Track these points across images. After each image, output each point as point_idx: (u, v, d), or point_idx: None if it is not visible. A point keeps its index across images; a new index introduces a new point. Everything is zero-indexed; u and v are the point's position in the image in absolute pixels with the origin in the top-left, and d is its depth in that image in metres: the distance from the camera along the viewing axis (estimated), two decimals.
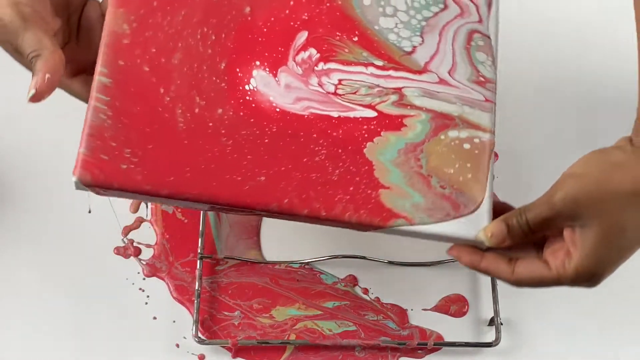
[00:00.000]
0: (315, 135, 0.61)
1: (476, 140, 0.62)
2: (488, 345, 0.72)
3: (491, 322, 0.73)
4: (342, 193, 0.60)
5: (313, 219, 0.59)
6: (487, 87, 0.64)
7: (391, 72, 0.64)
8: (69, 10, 0.66)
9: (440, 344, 0.72)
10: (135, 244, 0.76)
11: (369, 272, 0.75)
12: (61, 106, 0.81)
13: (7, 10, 0.59)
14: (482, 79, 0.64)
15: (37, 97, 0.59)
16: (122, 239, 0.76)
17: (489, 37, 0.65)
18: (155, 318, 0.73)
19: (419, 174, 0.61)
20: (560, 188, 0.56)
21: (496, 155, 0.76)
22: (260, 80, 0.62)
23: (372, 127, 0.62)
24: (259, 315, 0.74)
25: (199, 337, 0.71)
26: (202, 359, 0.72)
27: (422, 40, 0.64)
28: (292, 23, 0.64)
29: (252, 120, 0.61)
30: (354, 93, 0.63)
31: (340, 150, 0.61)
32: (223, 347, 0.72)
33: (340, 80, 0.63)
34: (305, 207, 0.59)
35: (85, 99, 0.63)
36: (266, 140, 0.60)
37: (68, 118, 0.80)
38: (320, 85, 0.63)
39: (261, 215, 0.67)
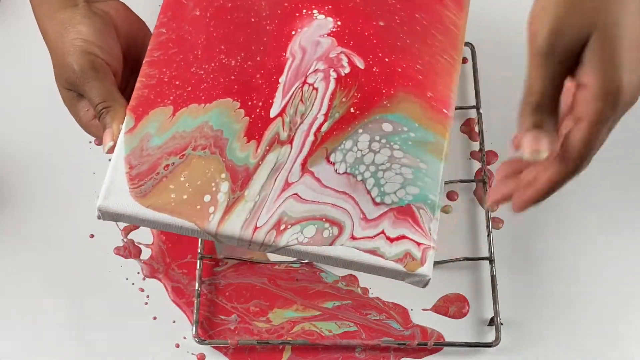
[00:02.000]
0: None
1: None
2: (488, 345, 0.72)
3: (491, 322, 0.73)
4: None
5: None
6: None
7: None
8: (130, 74, 0.68)
9: (440, 344, 0.72)
10: (135, 244, 0.76)
11: None
12: (62, 107, 0.81)
13: (80, 59, 0.63)
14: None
15: (113, 148, 0.62)
16: (122, 239, 0.76)
17: None
18: (155, 318, 0.73)
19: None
20: (536, 31, 0.52)
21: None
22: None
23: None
24: (255, 319, 0.74)
25: (199, 337, 0.71)
26: (202, 359, 0.72)
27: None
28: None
29: None
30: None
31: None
32: (220, 350, 0.72)
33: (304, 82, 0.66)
34: None
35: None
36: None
37: (68, 119, 0.81)
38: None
39: None
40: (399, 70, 0.66)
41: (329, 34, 0.67)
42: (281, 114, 0.64)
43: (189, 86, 0.64)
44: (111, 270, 0.75)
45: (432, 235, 0.62)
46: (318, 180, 0.62)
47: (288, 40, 0.67)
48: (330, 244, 0.60)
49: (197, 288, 0.73)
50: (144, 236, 0.76)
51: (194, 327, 0.71)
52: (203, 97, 0.64)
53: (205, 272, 0.75)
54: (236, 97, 0.64)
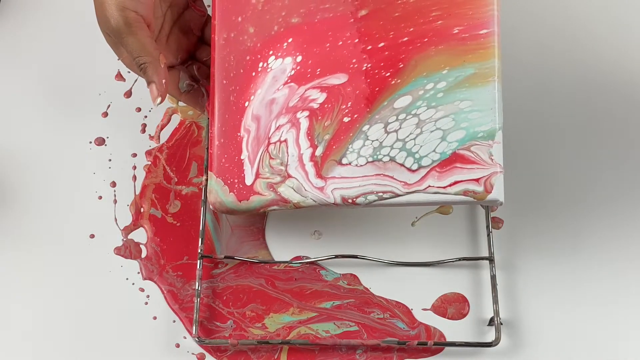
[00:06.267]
0: None
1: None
2: (488, 345, 0.72)
3: (491, 322, 0.73)
4: None
5: None
6: None
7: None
8: (168, 6, 0.71)
9: (439, 344, 0.72)
10: (135, 244, 0.76)
11: (368, 272, 0.75)
12: (62, 107, 0.81)
13: (115, 14, 0.66)
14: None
15: (162, 101, 0.67)
16: (122, 239, 0.76)
17: None
18: (155, 318, 0.73)
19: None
20: None
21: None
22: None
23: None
24: (251, 325, 0.73)
25: (199, 337, 0.71)
26: (202, 359, 0.72)
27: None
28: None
29: None
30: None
31: None
32: (214, 354, 0.72)
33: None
34: None
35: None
36: None
37: (68, 119, 0.81)
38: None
39: None
40: (406, 39, 0.65)
41: (285, 83, 0.66)
42: (257, 177, 0.66)
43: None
44: (111, 270, 0.75)
45: (494, 160, 0.63)
46: (344, 177, 0.65)
47: (241, 116, 0.67)
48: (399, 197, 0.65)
49: (197, 288, 0.72)
50: (142, 236, 0.76)
51: (194, 327, 0.71)
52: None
53: (203, 275, 0.74)
54: (218, 175, 0.67)
